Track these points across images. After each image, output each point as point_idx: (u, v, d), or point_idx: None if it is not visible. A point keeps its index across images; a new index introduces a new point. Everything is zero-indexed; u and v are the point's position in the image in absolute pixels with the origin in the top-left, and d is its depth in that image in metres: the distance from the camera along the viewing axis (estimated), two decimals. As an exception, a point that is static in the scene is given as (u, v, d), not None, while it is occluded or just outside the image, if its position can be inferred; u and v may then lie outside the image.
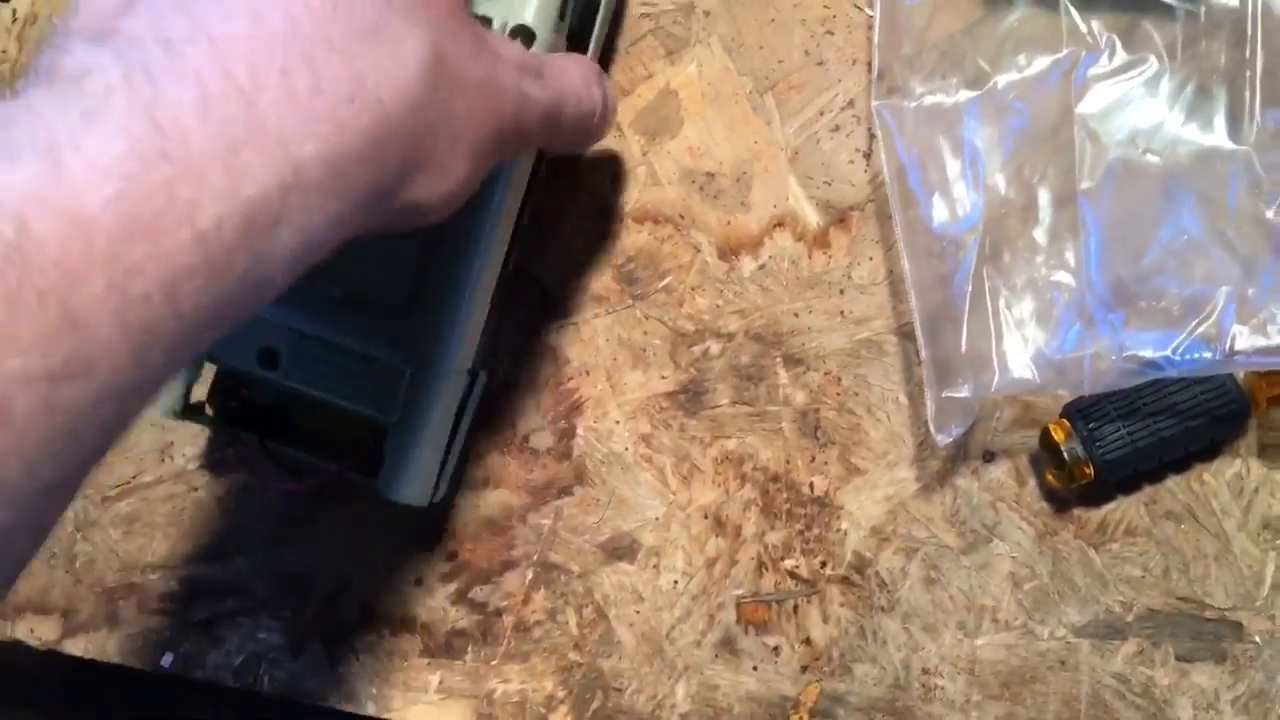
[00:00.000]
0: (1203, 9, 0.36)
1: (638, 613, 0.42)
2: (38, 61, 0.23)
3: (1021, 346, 0.36)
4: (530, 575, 0.43)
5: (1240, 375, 0.37)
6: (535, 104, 0.30)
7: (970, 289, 0.36)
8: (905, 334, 0.41)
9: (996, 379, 0.36)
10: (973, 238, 0.37)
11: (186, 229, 0.21)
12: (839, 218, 0.42)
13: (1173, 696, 0.39)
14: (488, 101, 0.28)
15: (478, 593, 0.43)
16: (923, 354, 0.38)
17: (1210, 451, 0.40)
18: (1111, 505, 0.40)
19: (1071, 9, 0.38)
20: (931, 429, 0.37)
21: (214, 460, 0.44)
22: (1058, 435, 0.38)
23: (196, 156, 0.22)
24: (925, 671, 0.41)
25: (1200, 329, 0.35)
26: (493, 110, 0.29)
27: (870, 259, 0.42)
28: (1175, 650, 0.40)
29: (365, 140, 0.24)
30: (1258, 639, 0.39)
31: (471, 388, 0.39)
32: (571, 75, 0.33)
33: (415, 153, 0.26)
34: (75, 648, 0.45)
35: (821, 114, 0.42)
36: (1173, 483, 0.40)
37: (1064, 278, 0.36)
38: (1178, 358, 0.35)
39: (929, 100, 0.39)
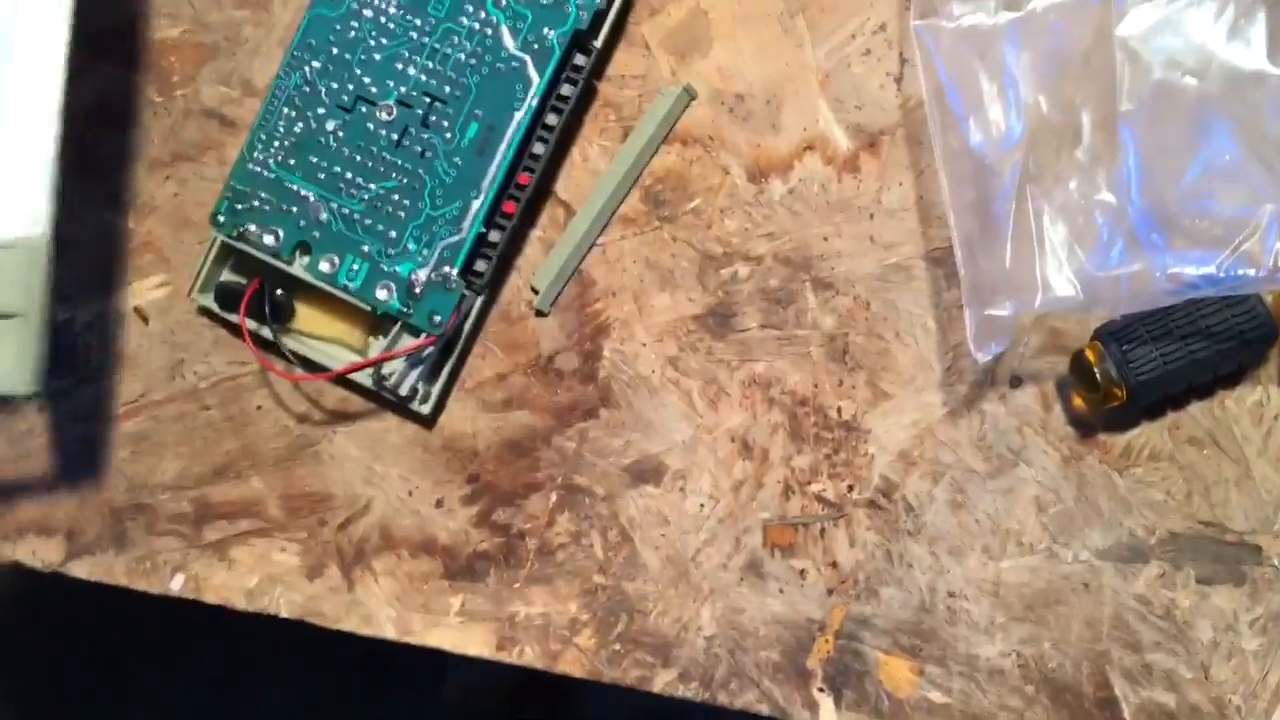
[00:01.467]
0: (1246, -68, 0.36)
1: (663, 536, 0.41)
2: None
3: (1064, 265, 0.35)
4: (554, 498, 0.41)
5: (1269, 299, 0.37)
6: None
7: (1014, 208, 0.36)
8: (934, 260, 0.41)
9: (1040, 297, 0.35)
10: (1014, 158, 0.36)
11: None
12: (869, 142, 0.41)
13: (1193, 618, 0.39)
14: None
15: (500, 515, 0.42)
16: (961, 273, 0.37)
17: (1233, 378, 0.39)
18: (1136, 430, 0.40)
19: (1112, -69, 0.37)
20: (971, 347, 0.36)
21: (225, 378, 0.43)
22: (1091, 357, 0.38)
23: None
24: (950, 594, 0.40)
25: (1243, 247, 0.34)
26: None
27: (900, 184, 0.41)
28: (1196, 573, 0.39)
29: None
30: (1276, 562, 0.39)
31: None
32: None
33: None
34: (80, 570, 0.43)
35: (853, 37, 0.41)
36: (1195, 409, 0.40)
37: (1106, 197, 0.36)
38: (1221, 275, 0.34)
39: (968, 21, 0.38)
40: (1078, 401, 0.39)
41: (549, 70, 0.38)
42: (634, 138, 0.41)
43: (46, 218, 0.36)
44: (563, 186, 0.42)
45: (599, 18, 0.38)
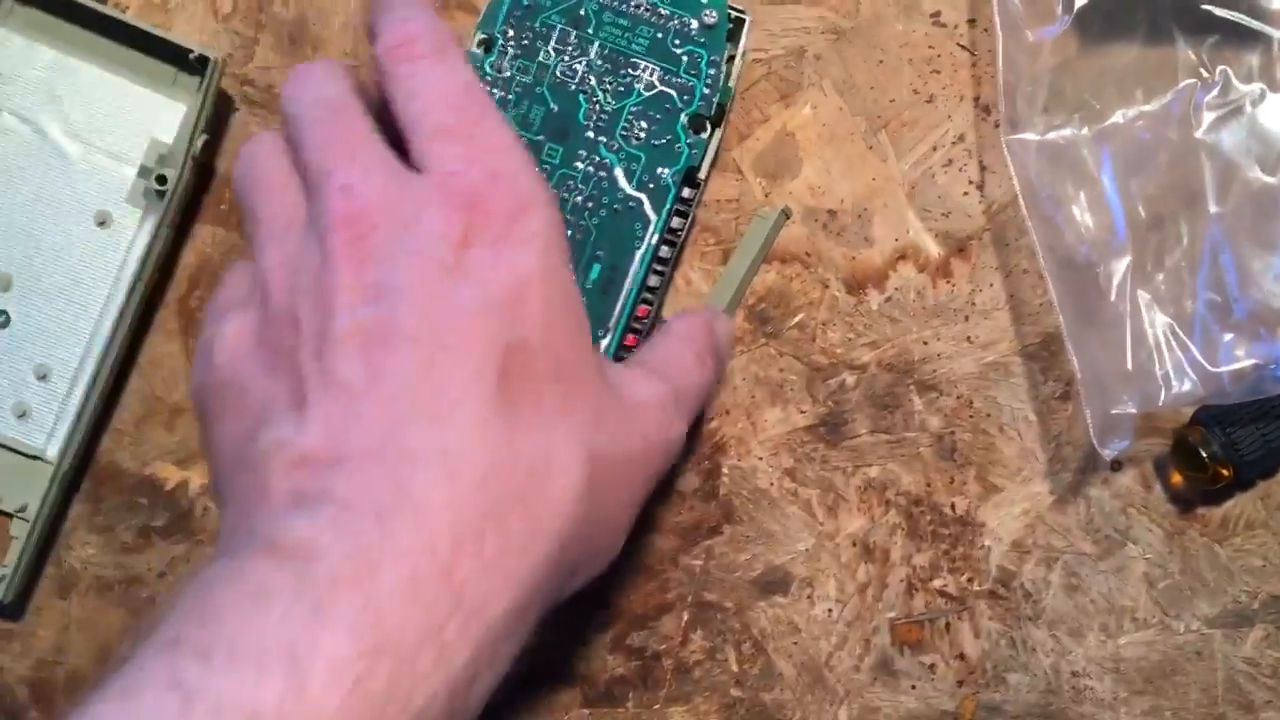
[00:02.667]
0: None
1: (795, 643, 0.41)
2: (252, 525, 0.24)
3: (1183, 362, 0.37)
4: (686, 616, 0.42)
5: (1352, 374, 0.39)
6: (678, 437, 0.31)
7: (1130, 309, 0.37)
8: (1029, 355, 0.42)
9: (1163, 394, 0.37)
10: (1123, 259, 0.38)
11: (404, 716, 0.22)
12: (958, 247, 0.42)
13: (1300, 675, 0.41)
14: (640, 470, 0.30)
15: (635, 638, 0.42)
16: (1078, 374, 0.38)
17: (1317, 446, 0.41)
18: (1231, 503, 0.42)
19: (1183, 43, 0.39)
20: (1097, 445, 0.37)
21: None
22: (1197, 440, 0.39)
23: (411, 643, 0.22)
24: (1074, 674, 0.41)
25: (1348, 337, 0.36)
26: (644, 476, 0.30)
27: (991, 285, 0.42)
28: (1298, 632, 0.41)
29: (541, 579, 0.26)
30: (1371, 615, 0.41)
31: None
32: (687, 366, 0.33)
33: (579, 556, 0.28)
34: None
35: (934, 149, 0.42)
36: (1282, 477, 0.42)
37: (1209, 294, 0.38)
38: (1330, 365, 0.36)
39: (1053, 135, 0.39)
40: (1177, 479, 0.41)
41: (666, 207, 0.38)
42: (735, 260, 0.41)
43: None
44: (669, 312, 0.42)
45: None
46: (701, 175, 0.39)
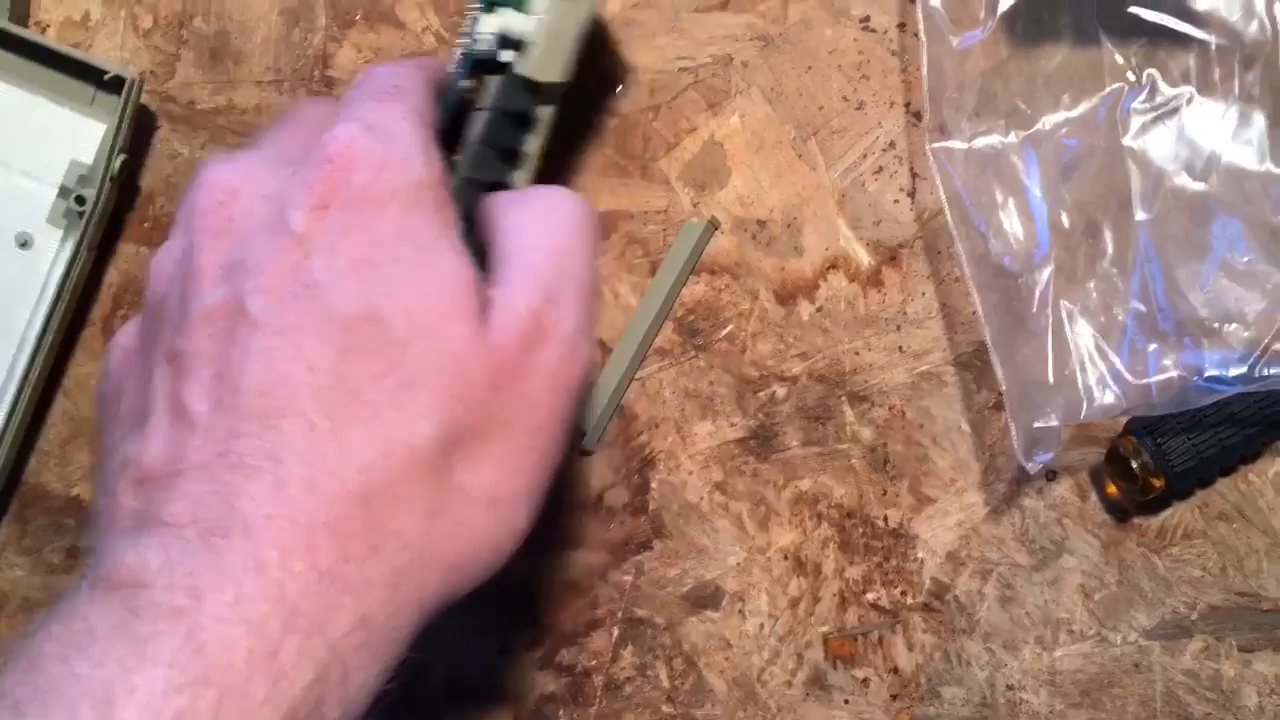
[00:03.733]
0: (1238, 42, 0.37)
1: (727, 659, 0.41)
2: (98, 551, 0.23)
3: (1104, 374, 0.36)
4: (616, 632, 0.41)
5: (1288, 382, 0.38)
6: (567, 336, 0.27)
7: (1051, 320, 0.36)
8: (962, 364, 0.41)
9: (1085, 408, 0.36)
10: (1045, 270, 0.37)
11: None
12: (889, 256, 0.41)
13: (1239, 686, 0.40)
14: (530, 419, 0.26)
15: (564, 655, 0.41)
16: (1003, 385, 0.37)
17: (1255, 454, 0.40)
18: (1168, 512, 0.41)
19: (1110, 46, 0.38)
20: (1020, 458, 0.37)
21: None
22: (1128, 451, 0.38)
23: (239, 670, 0.21)
24: (1009, 688, 0.40)
25: (1274, 346, 0.35)
26: (537, 423, 0.27)
27: (923, 294, 0.41)
28: (1238, 642, 0.40)
29: (393, 585, 0.24)
30: (1312, 625, 0.40)
31: None
32: (550, 229, 0.29)
33: (451, 558, 0.25)
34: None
35: (864, 156, 0.42)
36: (1222, 485, 0.40)
37: (1135, 305, 0.37)
38: (1256, 375, 0.35)
39: (980, 141, 0.39)
40: (1112, 490, 0.40)
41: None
42: (663, 271, 0.41)
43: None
44: (597, 325, 0.41)
45: None
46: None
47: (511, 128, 0.33)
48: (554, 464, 0.28)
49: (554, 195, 0.29)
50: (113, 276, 0.41)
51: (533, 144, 0.34)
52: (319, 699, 0.22)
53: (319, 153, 0.25)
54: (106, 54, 0.41)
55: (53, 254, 0.40)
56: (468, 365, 0.25)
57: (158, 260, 0.27)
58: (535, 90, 0.33)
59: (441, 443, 0.25)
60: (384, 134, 0.26)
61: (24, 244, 0.40)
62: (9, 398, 0.39)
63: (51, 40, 0.39)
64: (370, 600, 0.23)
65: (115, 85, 0.39)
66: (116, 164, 0.39)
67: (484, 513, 0.26)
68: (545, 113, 0.34)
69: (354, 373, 0.24)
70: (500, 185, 0.32)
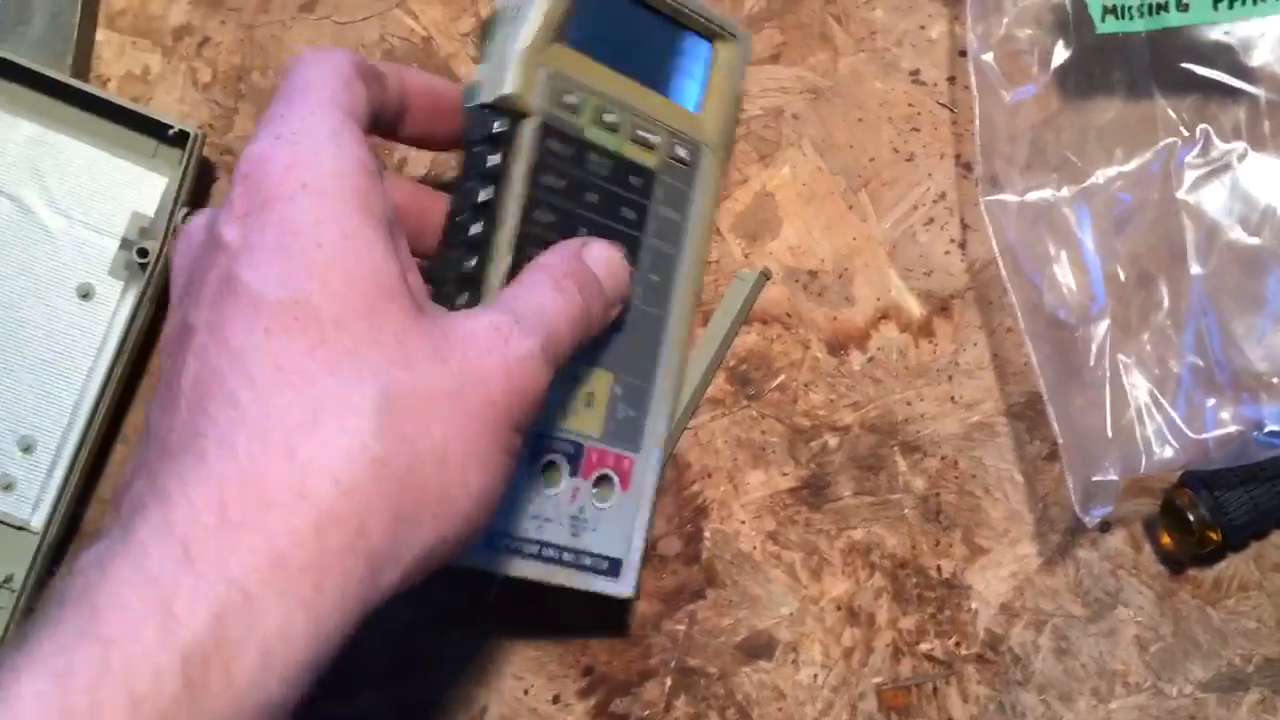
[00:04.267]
0: (1289, 95, 0.37)
1: (780, 709, 0.41)
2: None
3: (1163, 428, 0.36)
4: (669, 682, 0.41)
5: (1343, 434, 0.38)
6: (520, 356, 0.28)
7: (1109, 373, 0.36)
8: (1014, 414, 0.41)
9: (1144, 461, 0.36)
10: (1102, 323, 0.37)
11: (121, 698, 0.21)
12: (941, 306, 0.42)
13: (1297, 740, 0.40)
14: (471, 399, 0.26)
15: (618, 705, 0.41)
16: (1059, 438, 0.37)
17: (1309, 505, 0.40)
18: (1223, 564, 0.40)
19: (1163, 101, 0.38)
20: (1077, 510, 0.37)
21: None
22: (1184, 503, 0.38)
23: (131, 622, 0.21)
24: (1064, 739, 0.40)
25: (1332, 400, 0.35)
26: (479, 404, 0.27)
27: (974, 344, 0.41)
28: (1294, 695, 0.40)
29: (321, 526, 0.23)
30: (1369, 677, 0.40)
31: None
32: (537, 292, 0.30)
33: (399, 504, 0.25)
34: None
35: (915, 208, 0.42)
36: (1276, 537, 0.40)
37: (1191, 358, 0.37)
38: (1317, 430, 0.35)
39: (1033, 195, 0.39)
40: (1167, 541, 0.40)
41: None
42: (715, 322, 0.41)
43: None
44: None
45: None
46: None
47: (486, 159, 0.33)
48: (511, 450, 0.28)
49: (559, 275, 0.31)
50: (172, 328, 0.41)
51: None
52: (220, 638, 0.22)
53: (236, 173, 0.27)
54: (166, 107, 0.41)
55: (114, 305, 0.40)
56: (409, 340, 0.26)
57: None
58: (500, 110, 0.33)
59: (386, 400, 0.25)
60: (291, 136, 0.27)
61: (85, 295, 0.40)
62: (70, 447, 0.40)
63: (113, 94, 0.40)
64: (286, 542, 0.23)
65: (178, 139, 0.39)
66: (180, 216, 0.39)
67: (434, 467, 0.26)
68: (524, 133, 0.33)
69: (282, 349, 0.25)
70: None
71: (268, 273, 0.25)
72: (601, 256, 0.32)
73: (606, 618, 0.41)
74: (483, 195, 0.33)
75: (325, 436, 0.24)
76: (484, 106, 0.33)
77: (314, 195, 0.26)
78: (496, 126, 0.33)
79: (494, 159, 0.33)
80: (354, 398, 0.25)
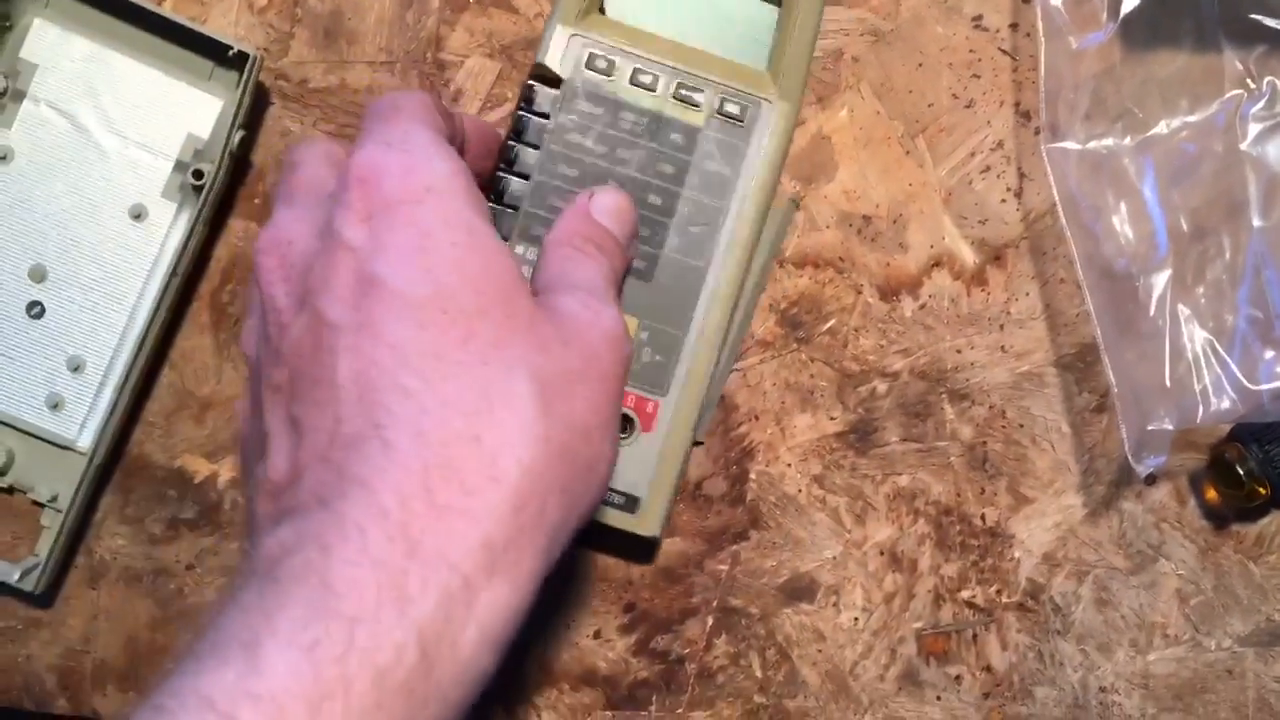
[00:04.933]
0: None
1: (820, 651, 0.41)
2: (247, 557, 0.25)
3: (1222, 378, 0.36)
4: (711, 621, 0.41)
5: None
6: (612, 323, 0.30)
7: (1167, 322, 0.36)
8: (1064, 365, 0.41)
9: (1201, 412, 0.36)
10: (1164, 272, 0.37)
11: (369, 671, 0.23)
12: (994, 255, 0.41)
13: (1333, 696, 0.40)
14: (594, 375, 0.28)
15: (659, 642, 0.41)
16: (1114, 387, 0.37)
17: (1354, 464, 0.40)
18: (1266, 520, 0.41)
19: (1230, 53, 0.38)
20: (1131, 460, 0.37)
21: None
22: (1233, 457, 0.38)
23: (369, 601, 0.23)
24: (1102, 690, 0.40)
25: (1392, 356, 0.35)
26: (600, 377, 0.28)
27: (1027, 294, 0.41)
28: (1333, 653, 0.40)
29: (514, 508, 0.25)
30: None
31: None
32: (574, 264, 0.32)
33: (564, 479, 0.27)
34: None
35: (972, 155, 0.42)
36: (1320, 495, 0.41)
37: (1250, 310, 0.37)
38: (1374, 384, 0.35)
39: (1094, 144, 0.39)
40: (1212, 495, 0.40)
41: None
42: (753, 259, 0.41)
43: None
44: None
45: None
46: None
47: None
48: (618, 412, 0.30)
49: (578, 222, 0.33)
50: (221, 252, 0.41)
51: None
52: (447, 618, 0.24)
53: (347, 178, 0.28)
54: (220, 29, 0.41)
55: (166, 227, 0.40)
56: (538, 327, 0.28)
57: (244, 336, 0.30)
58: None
59: (538, 384, 0.26)
60: (400, 144, 0.28)
61: (138, 216, 0.40)
62: (119, 368, 0.40)
63: (171, 12, 0.39)
64: (492, 525, 0.25)
65: (236, 61, 0.39)
66: (235, 140, 0.39)
67: (582, 441, 0.27)
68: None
69: (436, 341, 0.26)
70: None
71: (409, 272, 0.26)
72: (608, 207, 0.34)
73: (650, 557, 0.41)
74: (517, 153, 0.37)
75: (502, 421, 0.25)
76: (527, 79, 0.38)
77: (438, 197, 0.28)
78: (532, 92, 0.37)
79: (528, 119, 0.37)
80: (513, 384, 0.26)
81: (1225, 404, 0.36)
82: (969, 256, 0.41)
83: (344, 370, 0.26)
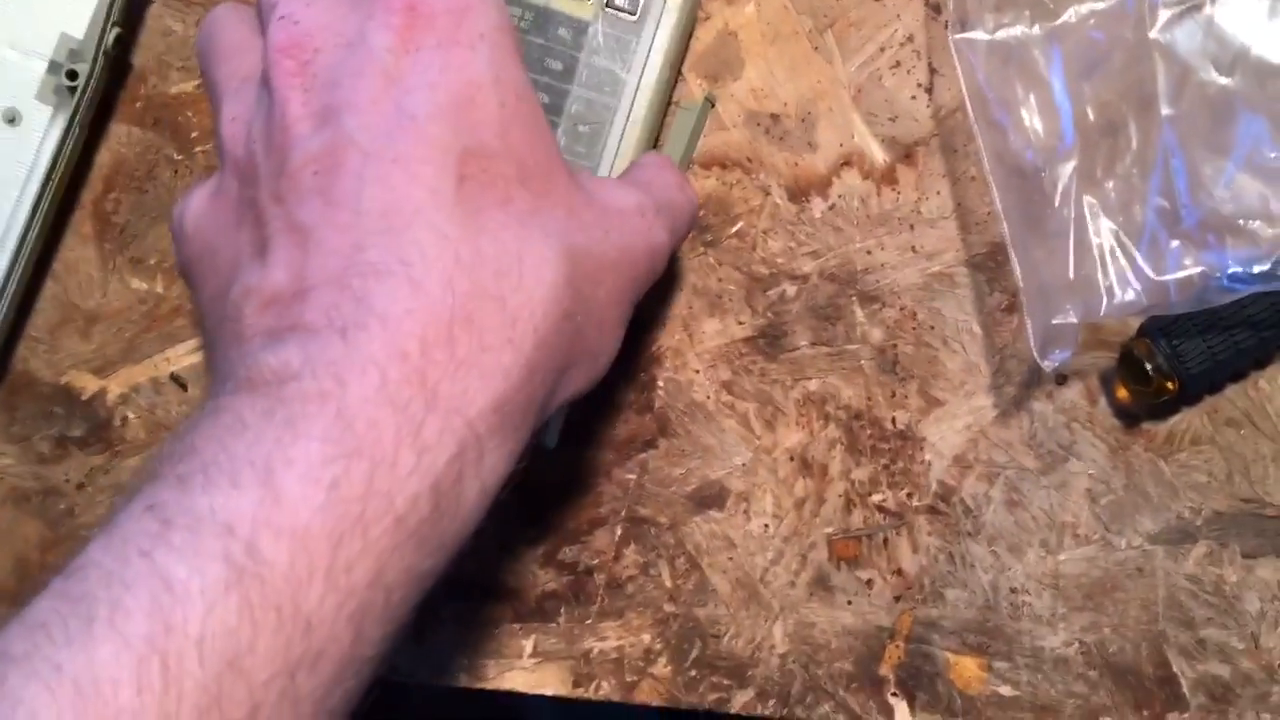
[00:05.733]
0: (1271, -67, 0.36)
1: (730, 559, 0.40)
2: (232, 367, 0.24)
3: (1126, 270, 0.35)
4: (619, 531, 0.40)
5: (1305, 285, 0.37)
6: (661, 245, 0.30)
7: (1073, 216, 0.35)
8: (975, 265, 0.40)
9: (1104, 303, 0.35)
10: (1068, 166, 0.36)
11: (388, 516, 0.23)
12: (905, 153, 0.40)
13: (1241, 591, 0.40)
14: (625, 272, 0.28)
15: (566, 553, 0.40)
16: (1020, 283, 0.36)
17: (1267, 359, 0.40)
18: (1177, 417, 0.40)
19: (1140, -63, 0.37)
20: (1036, 356, 0.36)
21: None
22: (1142, 352, 0.38)
23: (388, 445, 0.23)
24: (1013, 590, 0.40)
25: (1298, 243, 0.34)
26: (630, 278, 0.29)
27: (938, 193, 0.40)
28: (1241, 548, 0.40)
29: (525, 374, 0.25)
30: (1315, 532, 0.40)
31: None
32: (669, 185, 0.32)
33: (569, 358, 0.27)
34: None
35: (882, 50, 0.40)
36: (1231, 391, 0.40)
37: (1158, 201, 0.36)
38: (1279, 273, 0.34)
39: (1004, 33, 0.37)
40: (1122, 393, 0.39)
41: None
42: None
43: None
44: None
45: None
46: None
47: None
48: (630, 314, 0.30)
49: (685, 180, 0.33)
50: (104, 158, 0.39)
51: None
52: (459, 474, 0.24)
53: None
54: (96, -76, 0.39)
55: (41, 132, 0.38)
56: (578, 207, 0.27)
57: (229, 130, 0.28)
58: None
59: (570, 261, 0.26)
60: None
61: (11, 120, 0.38)
62: (-3, 280, 0.38)
63: (39, -94, 0.37)
64: (505, 388, 0.25)
65: (107, -46, 0.37)
66: (110, 38, 0.37)
67: (596, 328, 0.27)
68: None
69: (476, 197, 0.25)
70: None
71: (454, 122, 0.25)
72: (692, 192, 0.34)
73: (554, 466, 0.40)
74: None
75: (529, 287, 0.25)
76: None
77: (492, 49, 0.26)
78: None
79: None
80: (546, 253, 0.26)
81: (1130, 295, 0.35)
82: (879, 155, 0.40)
83: (371, 198, 0.25)
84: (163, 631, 0.20)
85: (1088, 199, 0.36)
